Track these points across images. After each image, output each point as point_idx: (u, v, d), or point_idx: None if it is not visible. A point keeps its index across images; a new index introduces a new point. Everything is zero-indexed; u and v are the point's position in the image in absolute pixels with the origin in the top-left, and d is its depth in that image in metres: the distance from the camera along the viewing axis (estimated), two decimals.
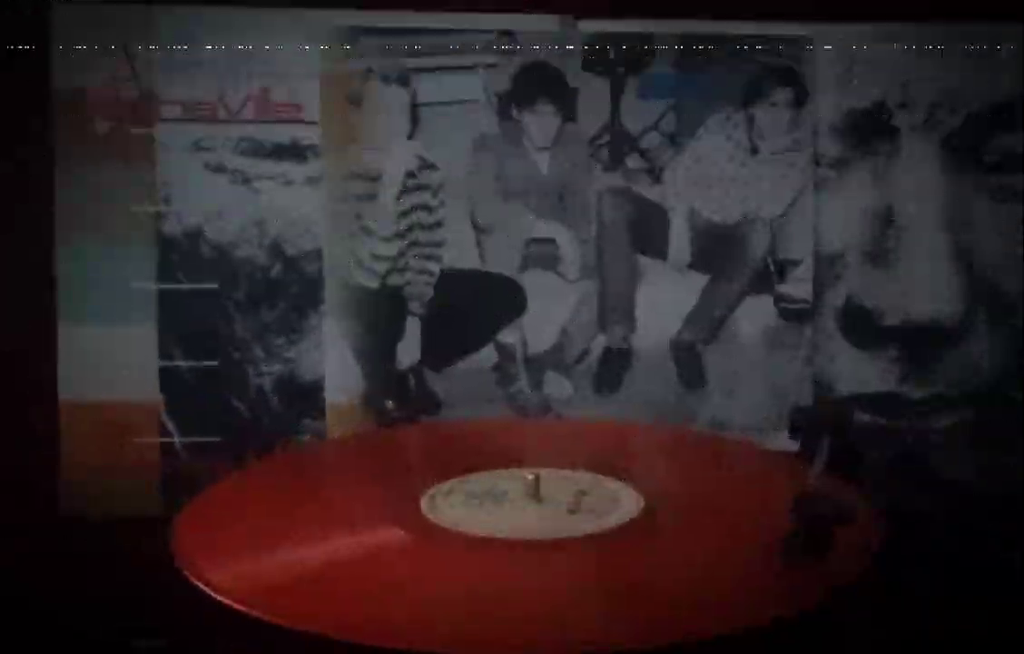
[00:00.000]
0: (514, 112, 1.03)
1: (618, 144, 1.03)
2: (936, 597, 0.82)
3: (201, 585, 0.64)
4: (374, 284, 1.02)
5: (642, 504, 0.74)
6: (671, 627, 0.59)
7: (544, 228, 1.04)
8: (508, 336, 1.04)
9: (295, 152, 1.01)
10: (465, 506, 0.74)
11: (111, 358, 1.00)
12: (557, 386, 1.04)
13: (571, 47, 1.02)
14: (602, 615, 0.62)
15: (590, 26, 1.02)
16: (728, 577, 0.65)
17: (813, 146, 1.04)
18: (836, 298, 1.05)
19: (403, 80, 1.01)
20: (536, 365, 1.04)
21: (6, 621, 0.92)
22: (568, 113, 1.03)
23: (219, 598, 0.63)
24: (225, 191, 1.01)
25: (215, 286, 1.01)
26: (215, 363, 1.01)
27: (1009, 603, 0.81)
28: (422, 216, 1.02)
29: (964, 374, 1.05)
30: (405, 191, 1.02)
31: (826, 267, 1.05)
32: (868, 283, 1.05)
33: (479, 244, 1.03)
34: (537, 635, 0.60)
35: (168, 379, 1.01)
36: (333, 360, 1.02)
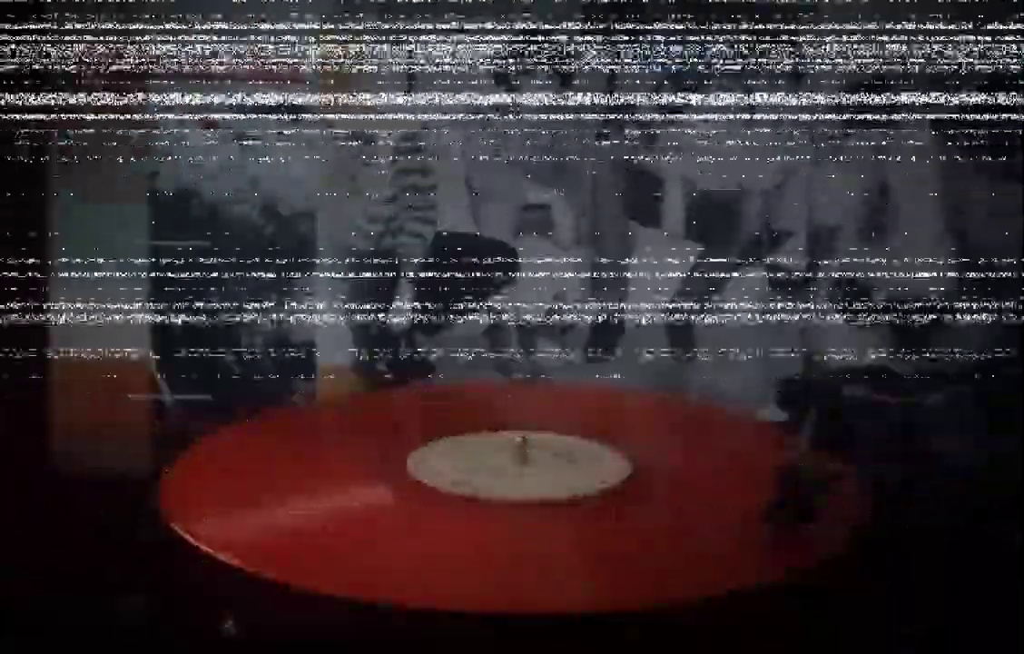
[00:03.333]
0: (511, 77, 1.02)
1: (614, 111, 1.03)
2: (926, 572, 0.83)
3: (190, 539, 0.65)
4: (367, 246, 1.02)
5: (629, 469, 0.75)
6: (654, 591, 0.60)
7: (539, 194, 1.03)
8: (501, 301, 1.04)
9: (291, 113, 1.01)
10: (453, 467, 0.74)
11: (103, 315, 1.00)
12: (549, 352, 1.04)
13: (570, 12, 1.02)
14: (585, 577, 0.63)
15: None
16: (712, 543, 0.66)
17: (810, 118, 1.04)
18: (830, 271, 1.05)
19: (401, 42, 1.01)
20: (528, 331, 1.04)
21: None
22: (565, 79, 1.02)
23: (208, 552, 0.63)
24: (220, 150, 1.01)
25: (208, 244, 1.01)
26: (207, 322, 1.01)
27: (1004, 579, 0.81)
28: (417, 179, 1.02)
29: (956, 350, 1.05)
30: (400, 153, 1.02)
31: (820, 240, 1.05)
32: (862, 257, 1.05)
33: (473, 209, 1.03)
34: (521, 595, 0.60)
35: (160, 337, 1.01)
36: (325, 322, 1.02)
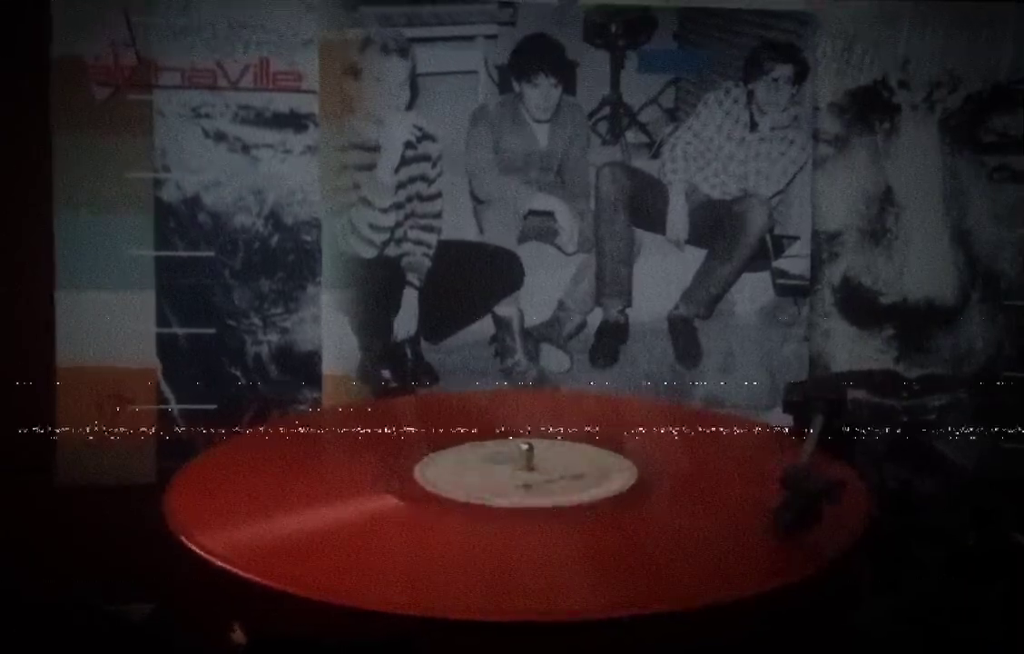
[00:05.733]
0: (514, 84, 1.02)
1: (617, 118, 1.03)
2: (928, 573, 0.83)
3: (195, 549, 0.65)
4: (372, 255, 1.02)
5: (635, 476, 0.75)
6: (660, 597, 0.60)
7: (542, 201, 1.04)
8: (505, 308, 1.04)
9: (294, 121, 1.01)
10: (459, 475, 0.74)
11: (109, 324, 1.00)
12: (554, 359, 1.04)
13: (572, 20, 1.02)
14: (593, 584, 0.63)
15: None
16: (718, 549, 0.66)
17: (812, 123, 1.04)
18: (833, 276, 1.05)
19: (402, 51, 1.01)
20: (533, 338, 1.04)
21: (1, 587, 0.93)
22: (568, 86, 1.03)
23: (212, 562, 0.63)
24: (224, 159, 1.01)
25: (212, 254, 1.01)
26: (212, 331, 1.01)
27: (1005, 580, 0.81)
28: (420, 187, 1.02)
29: (960, 353, 1.05)
30: (403, 162, 1.02)
31: (824, 244, 1.05)
32: (865, 261, 1.05)
33: (477, 216, 1.03)
34: (529, 602, 0.60)
35: (165, 346, 1.01)
36: (330, 330, 1.02)
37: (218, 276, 1.01)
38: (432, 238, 1.03)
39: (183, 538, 0.66)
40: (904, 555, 0.79)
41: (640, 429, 0.87)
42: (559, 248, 1.04)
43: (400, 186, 1.02)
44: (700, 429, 0.90)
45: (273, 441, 0.87)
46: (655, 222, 1.04)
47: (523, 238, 1.03)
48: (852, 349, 1.05)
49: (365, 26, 1.01)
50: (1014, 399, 1.05)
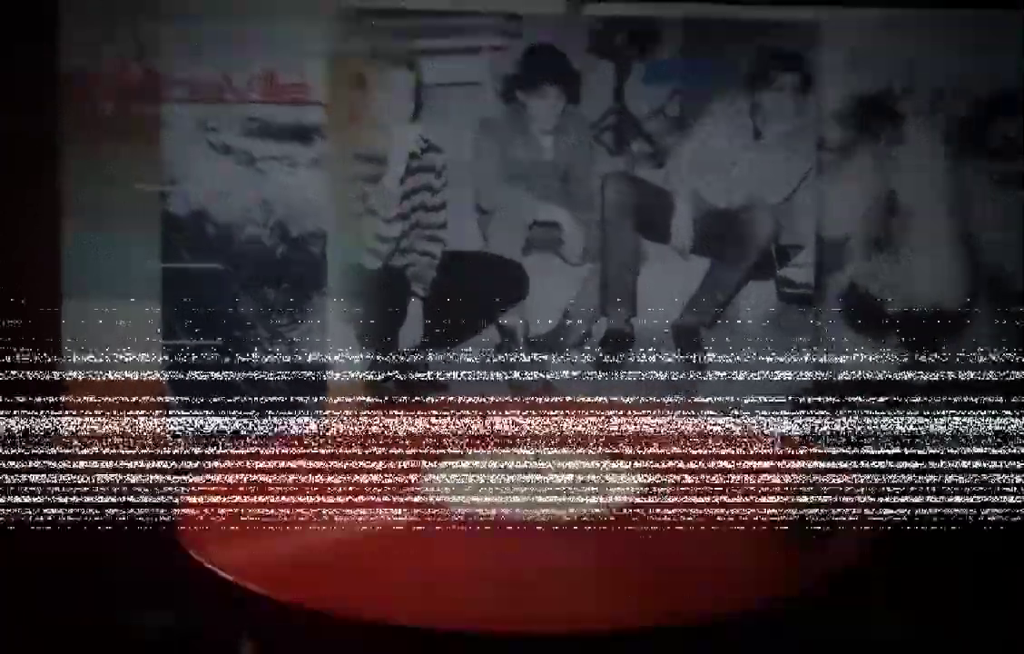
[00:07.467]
0: (519, 95, 1.03)
1: (622, 128, 1.03)
2: (939, 585, 0.83)
3: (204, 562, 0.65)
4: (377, 265, 1.03)
5: (641, 485, 0.75)
6: (667, 608, 0.60)
7: (547, 211, 1.04)
8: (511, 318, 1.04)
9: (300, 133, 1.01)
10: (465, 486, 0.75)
11: (116, 336, 1.00)
12: (559, 368, 1.04)
13: (576, 31, 1.02)
14: (600, 595, 0.63)
15: (596, 9, 1.02)
16: (728, 559, 0.66)
17: (817, 131, 1.04)
18: (839, 283, 1.05)
19: (408, 62, 1.01)
20: (538, 346, 1.04)
21: (14, 597, 0.93)
22: (573, 96, 1.03)
23: (222, 575, 0.64)
24: (230, 171, 1.01)
25: (219, 266, 1.01)
26: (219, 342, 1.01)
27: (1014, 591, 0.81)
28: (426, 198, 1.03)
29: (966, 359, 1.05)
30: (409, 173, 1.02)
31: (829, 252, 1.05)
32: (871, 268, 1.05)
33: (482, 226, 1.03)
34: (535, 612, 0.60)
35: (172, 358, 1.01)
36: (336, 340, 1.02)
37: (225, 287, 1.01)
38: (437, 248, 1.03)
39: (193, 552, 0.66)
40: (911, 566, 0.79)
41: (646, 437, 0.88)
42: (564, 258, 1.04)
43: (405, 197, 1.02)
44: (706, 437, 0.90)
45: (281, 454, 0.87)
46: (660, 231, 1.04)
47: (528, 248, 1.04)
48: (858, 356, 1.05)
49: (371, 38, 1.01)
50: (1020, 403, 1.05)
